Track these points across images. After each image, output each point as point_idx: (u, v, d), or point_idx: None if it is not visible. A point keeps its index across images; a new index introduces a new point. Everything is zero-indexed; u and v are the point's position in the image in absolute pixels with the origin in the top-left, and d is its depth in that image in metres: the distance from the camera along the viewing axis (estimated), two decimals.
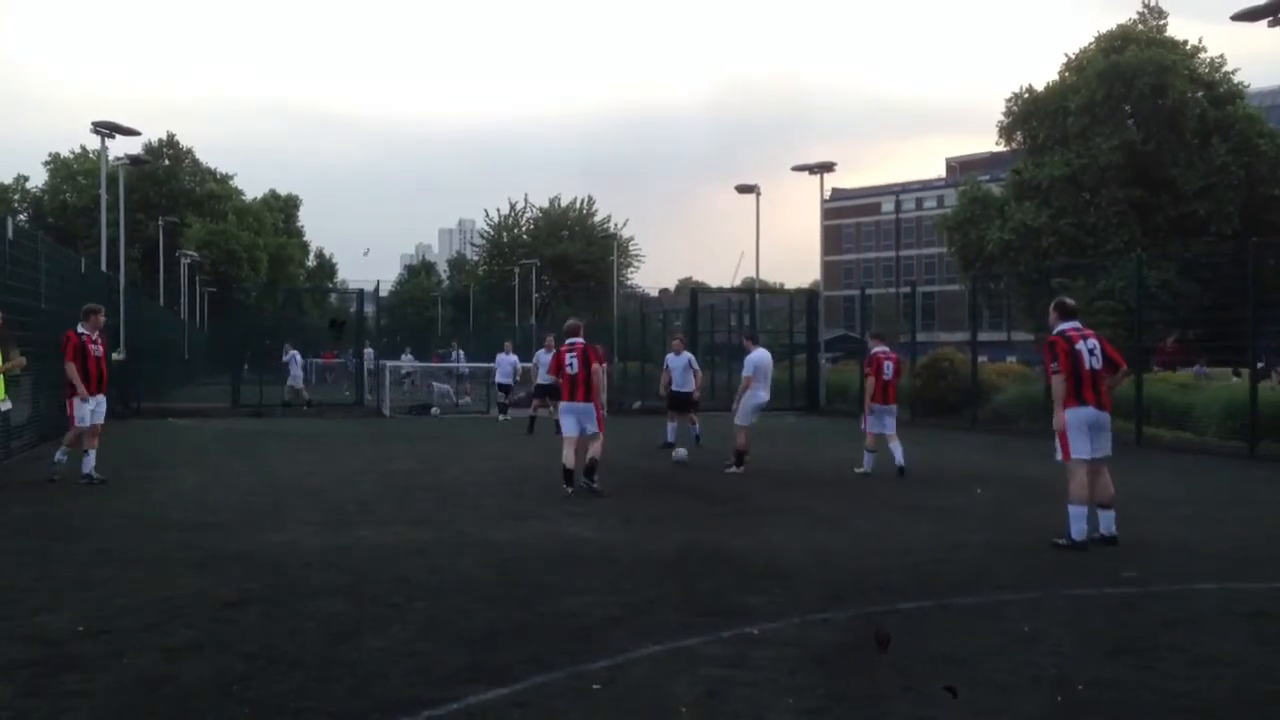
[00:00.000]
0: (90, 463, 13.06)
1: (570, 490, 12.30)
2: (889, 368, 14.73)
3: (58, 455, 13.38)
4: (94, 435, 13.24)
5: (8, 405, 13.56)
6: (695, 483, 14.06)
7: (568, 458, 12.53)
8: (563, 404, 12.91)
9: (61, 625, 6.42)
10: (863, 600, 7.25)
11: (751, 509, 11.64)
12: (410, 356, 41.64)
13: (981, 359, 25.85)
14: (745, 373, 15.10)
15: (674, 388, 18.56)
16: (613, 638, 6.22)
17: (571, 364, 12.69)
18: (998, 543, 9.63)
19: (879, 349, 14.97)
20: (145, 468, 15.25)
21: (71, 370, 12.95)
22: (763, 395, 15.17)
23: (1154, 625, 6.76)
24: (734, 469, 14.71)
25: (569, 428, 12.70)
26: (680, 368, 18.45)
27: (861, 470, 14.53)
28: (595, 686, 5.35)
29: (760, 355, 15.25)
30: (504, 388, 26.11)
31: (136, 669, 5.58)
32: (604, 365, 13.20)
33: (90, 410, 13.07)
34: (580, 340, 12.97)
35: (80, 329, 13.20)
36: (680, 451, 16.40)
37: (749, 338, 16.30)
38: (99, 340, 13.47)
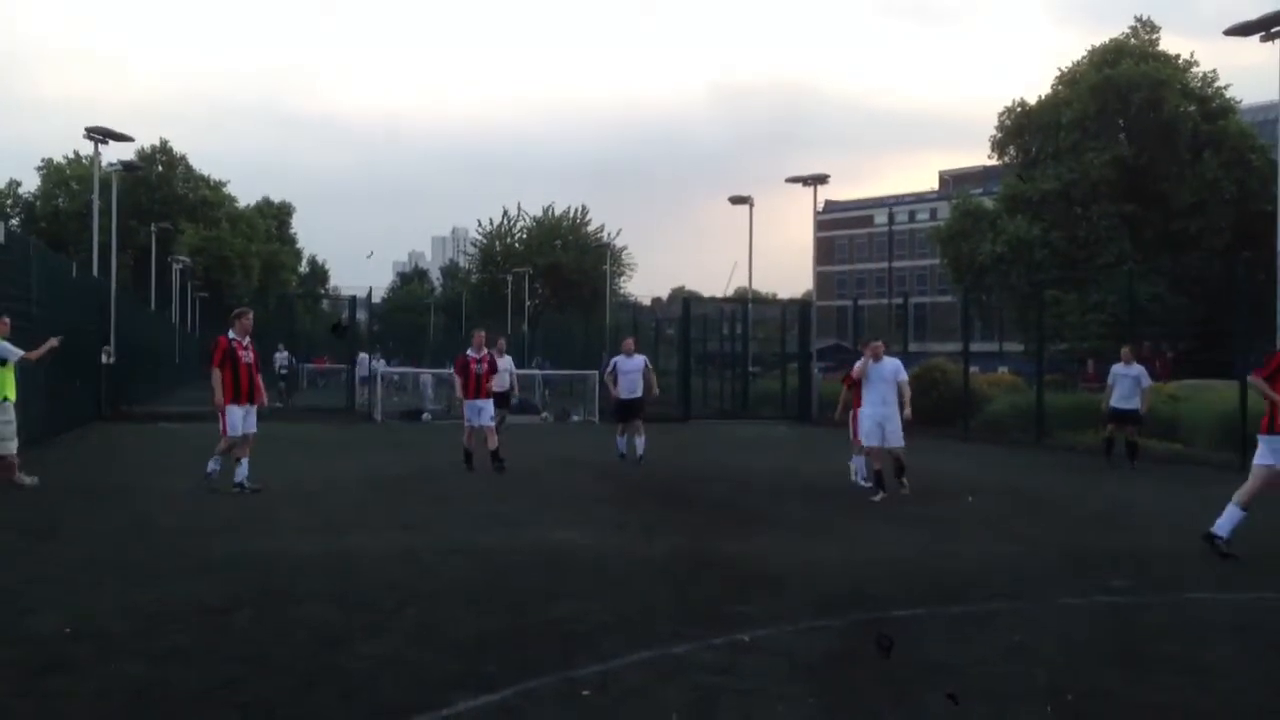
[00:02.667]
0: (243, 471, 12.73)
1: (471, 470, 15.39)
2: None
3: (211, 465, 12.90)
4: (246, 445, 12.87)
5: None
6: (687, 490, 14.05)
7: (472, 443, 15.88)
8: (471, 401, 15.98)
9: (50, 628, 6.39)
10: (854, 609, 7.24)
11: (744, 517, 11.63)
12: (381, 361, 41.03)
13: (973, 370, 25.91)
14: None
15: (624, 395, 17.54)
16: (603, 644, 6.20)
17: (480, 367, 16.08)
18: (989, 552, 9.63)
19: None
20: (136, 472, 15.19)
21: (216, 378, 12.76)
22: (882, 411, 13.11)
23: (1145, 635, 6.77)
24: (905, 490, 13.08)
25: (477, 418, 15.91)
26: (634, 371, 17.57)
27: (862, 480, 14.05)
28: (585, 693, 5.34)
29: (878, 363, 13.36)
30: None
31: (125, 673, 5.55)
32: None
33: (241, 418, 12.83)
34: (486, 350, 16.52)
35: (230, 334, 12.97)
36: None
37: (868, 344, 13.92)
38: (249, 346, 13.10)
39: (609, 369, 18.20)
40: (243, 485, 12.68)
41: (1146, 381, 17.72)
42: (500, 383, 19.78)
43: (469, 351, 16.38)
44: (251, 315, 13.40)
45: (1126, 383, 17.73)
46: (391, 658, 5.89)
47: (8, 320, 13.40)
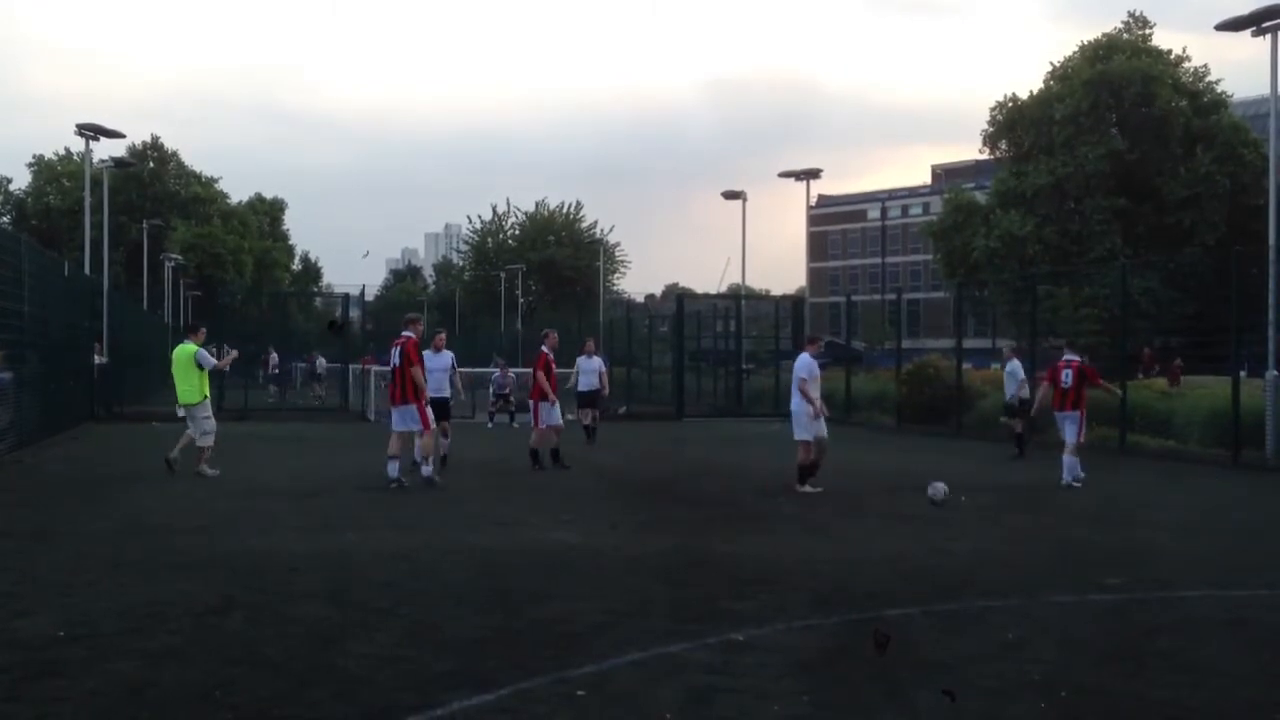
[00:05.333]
0: (398, 468, 13.33)
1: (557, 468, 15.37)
2: (1067, 376, 14.71)
3: (426, 469, 13.52)
4: (400, 442, 13.52)
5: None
6: (682, 489, 14.06)
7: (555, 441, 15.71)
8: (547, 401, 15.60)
9: (43, 630, 6.37)
10: (849, 607, 7.25)
11: (738, 515, 11.64)
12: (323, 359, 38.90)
13: (966, 366, 25.95)
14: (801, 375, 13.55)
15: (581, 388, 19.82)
16: (598, 644, 6.20)
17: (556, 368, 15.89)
18: (983, 549, 9.65)
19: (1064, 357, 15.01)
20: (128, 472, 15.15)
21: (418, 374, 13.41)
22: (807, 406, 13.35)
23: (1138, 632, 6.79)
24: (804, 489, 13.17)
25: (550, 418, 15.69)
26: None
27: (1069, 481, 14.14)
28: (580, 693, 5.34)
29: (801, 359, 13.73)
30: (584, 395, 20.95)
31: (118, 674, 5.54)
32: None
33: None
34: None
35: (411, 334, 13.73)
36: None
37: (809, 340, 14.76)
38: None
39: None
40: (400, 481, 13.22)
41: (1021, 374, 19.09)
42: (589, 383, 20.57)
43: (545, 349, 16.18)
44: (422, 322, 15.03)
45: (1009, 379, 18.99)
46: (386, 657, 5.88)
47: (204, 330, 15.09)
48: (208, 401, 14.67)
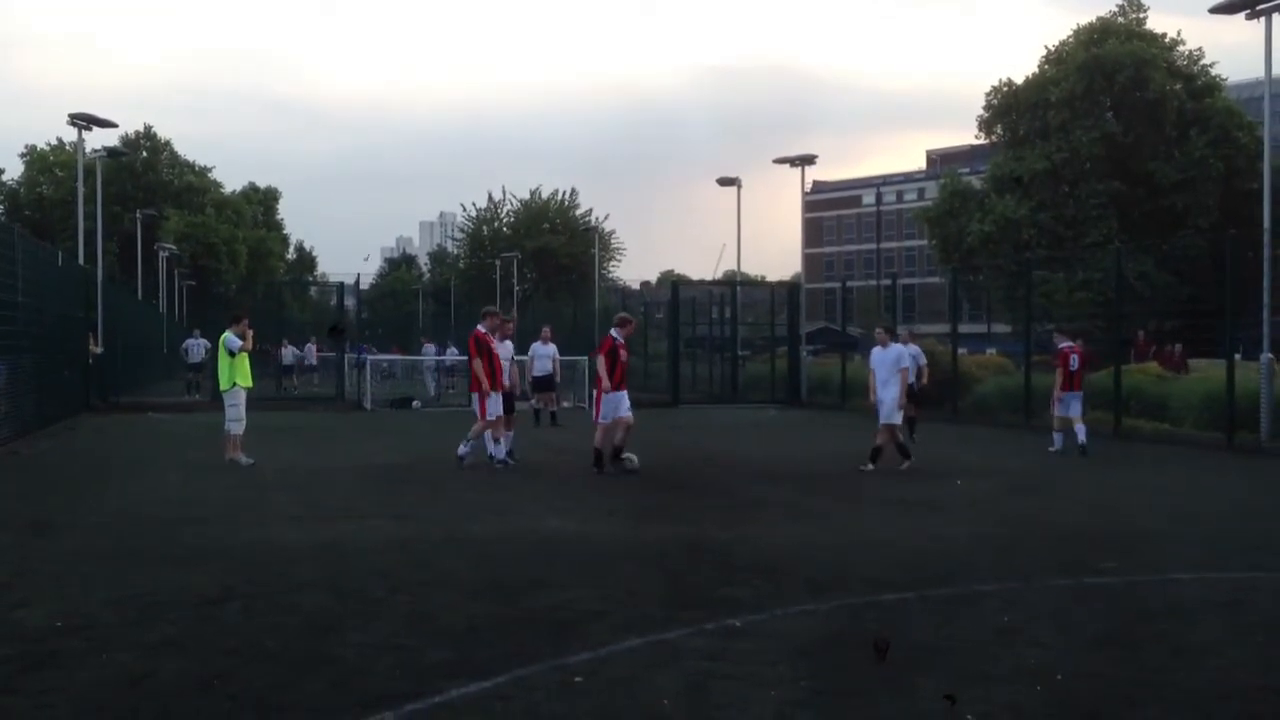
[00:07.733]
0: (503, 449, 14.42)
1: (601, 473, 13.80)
2: (1075, 360, 16.54)
3: (462, 448, 14.35)
4: (500, 425, 14.39)
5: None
6: (677, 475, 14.07)
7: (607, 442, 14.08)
8: (616, 393, 14.06)
9: (41, 621, 6.38)
10: (845, 592, 7.27)
11: (734, 502, 11.66)
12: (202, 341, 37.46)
13: (961, 351, 25.95)
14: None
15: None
16: (595, 631, 6.22)
17: (626, 354, 14.43)
18: (978, 535, 9.67)
19: (1064, 344, 16.81)
20: (125, 462, 15.15)
21: (479, 367, 14.17)
22: (880, 394, 14.50)
23: (1133, 616, 6.81)
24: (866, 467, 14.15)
25: (615, 412, 14.16)
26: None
27: (1054, 449, 16.48)
28: (577, 679, 5.35)
29: (874, 350, 15.07)
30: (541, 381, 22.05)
31: (116, 665, 5.55)
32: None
33: (499, 403, 14.34)
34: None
35: (482, 328, 14.53)
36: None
37: (887, 329, 15.35)
38: (500, 340, 14.88)
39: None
40: (507, 461, 14.24)
41: (922, 359, 18.92)
42: (543, 368, 21.84)
43: (613, 333, 14.45)
44: (507, 318, 15.50)
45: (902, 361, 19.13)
46: (383, 645, 5.90)
47: (245, 320, 15.21)
48: (238, 389, 14.78)
